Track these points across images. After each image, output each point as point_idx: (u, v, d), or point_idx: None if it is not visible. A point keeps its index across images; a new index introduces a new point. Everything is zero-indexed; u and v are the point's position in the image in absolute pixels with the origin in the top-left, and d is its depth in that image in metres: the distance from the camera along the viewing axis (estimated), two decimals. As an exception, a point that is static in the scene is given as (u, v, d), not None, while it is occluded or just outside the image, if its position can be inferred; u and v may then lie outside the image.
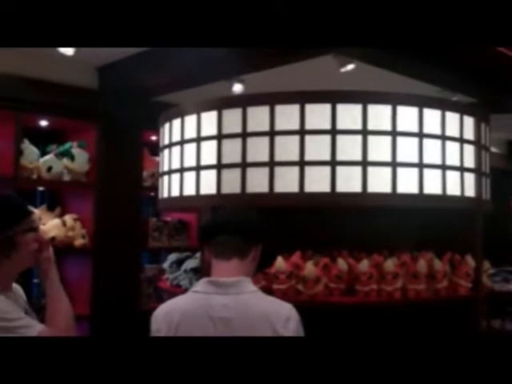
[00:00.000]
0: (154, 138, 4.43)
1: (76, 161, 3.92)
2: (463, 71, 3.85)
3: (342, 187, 2.20)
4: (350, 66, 3.43)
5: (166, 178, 2.63)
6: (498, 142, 6.71)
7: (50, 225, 3.89)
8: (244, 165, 2.26)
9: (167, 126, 2.63)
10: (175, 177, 2.54)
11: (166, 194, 2.63)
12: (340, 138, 2.20)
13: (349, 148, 2.19)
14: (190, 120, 2.42)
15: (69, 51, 3.44)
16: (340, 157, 2.19)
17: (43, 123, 3.99)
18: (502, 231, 8.18)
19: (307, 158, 2.20)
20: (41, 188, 4.19)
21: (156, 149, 4.67)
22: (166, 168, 2.63)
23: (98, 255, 3.99)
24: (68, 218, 3.95)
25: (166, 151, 2.63)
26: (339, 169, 2.20)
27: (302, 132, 2.20)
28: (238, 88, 3.96)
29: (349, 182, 2.19)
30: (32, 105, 3.66)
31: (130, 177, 4.14)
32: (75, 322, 1.85)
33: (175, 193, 2.53)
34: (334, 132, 2.19)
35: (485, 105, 4.24)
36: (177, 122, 2.54)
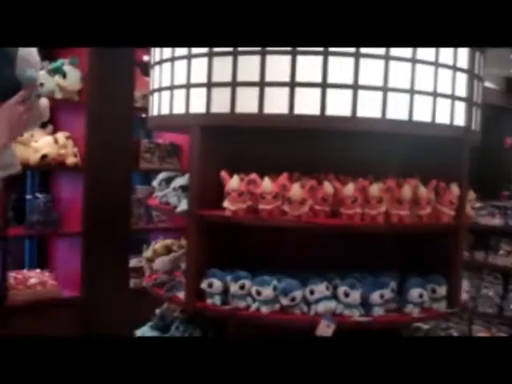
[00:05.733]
0: (146, 57, 4.36)
1: (68, 78, 3.88)
2: None
3: (331, 110, 2.19)
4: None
5: (156, 95, 2.61)
6: (495, 78, 6.65)
7: (42, 142, 3.89)
8: (234, 84, 2.24)
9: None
10: (165, 94, 2.52)
11: (155, 112, 2.62)
12: (332, 60, 2.17)
13: (339, 71, 2.17)
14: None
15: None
16: (331, 79, 2.18)
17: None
18: (495, 167, 8.25)
19: (298, 79, 2.18)
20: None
21: (148, 69, 4.63)
22: (156, 85, 2.61)
23: (90, 174, 4.01)
24: (60, 135, 3.95)
25: (157, 68, 2.60)
26: (329, 91, 2.19)
27: (294, 53, 2.17)
28: None
29: (338, 105, 2.19)
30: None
31: (122, 96, 4.11)
32: None
33: (165, 111, 2.52)
34: (325, 54, 2.16)
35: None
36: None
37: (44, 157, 3.84)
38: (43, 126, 4.00)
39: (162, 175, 2.74)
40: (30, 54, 1.66)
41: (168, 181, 2.66)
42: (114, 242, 4.18)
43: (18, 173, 1.79)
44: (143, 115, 4.51)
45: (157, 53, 2.61)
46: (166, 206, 2.61)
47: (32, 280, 3.98)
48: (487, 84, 2.71)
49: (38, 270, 4.16)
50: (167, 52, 2.49)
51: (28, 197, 4.14)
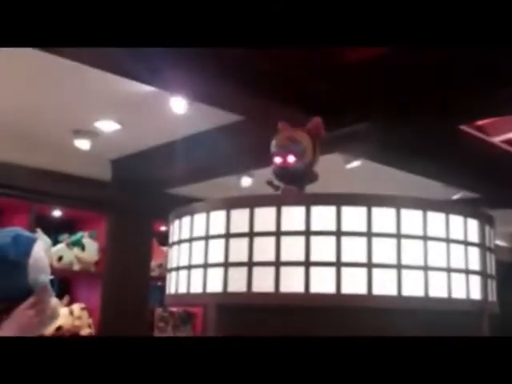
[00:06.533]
0: (163, 228, 4.51)
1: (86, 250, 3.99)
2: (466, 168, 3.95)
3: (346, 288, 2.22)
4: (356, 163, 3.54)
5: (173, 274, 2.66)
6: (504, 236, 6.74)
7: (57, 314, 3.90)
8: (250, 264, 2.30)
9: (177, 223, 2.69)
10: (183, 273, 2.57)
11: (173, 290, 2.65)
12: (345, 240, 2.24)
13: (354, 249, 2.23)
14: (200, 218, 2.49)
15: (85, 145, 3.60)
16: (345, 258, 2.23)
17: (56, 213, 4.09)
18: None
19: (312, 258, 2.24)
20: (50, 277, 4.23)
21: (165, 239, 4.76)
22: (174, 264, 2.67)
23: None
24: (76, 307, 3.97)
25: (175, 247, 2.68)
26: (344, 270, 2.23)
27: (308, 233, 2.24)
28: (246, 182, 4.07)
29: (354, 283, 2.22)
30: (45, 195, 3.77)
31: (139, 266, 4.18)
32: None
33: (182, 289, 2.55)
34: (339, 234, 2.23)
35: (489, 200, 4.31)
36: (186, 220, 2.60)
37: (59, 328, 3.83)
38: (60, 297, 4.03)
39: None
40: (41, 259, 1.73)
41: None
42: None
43: None
44: (159, 283, 4.57)
45: (175, 232, 2.71)
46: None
47: None
48: (497, 242, 2.79)
49: None
50: (185, 232, 2.58)
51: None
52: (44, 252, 1.72)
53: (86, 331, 3.94)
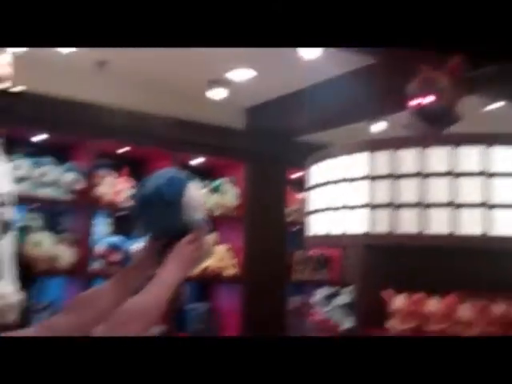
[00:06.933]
0: (297, 175, 4.58)
1: (226, 196, 4.16)
2: None
3: (496, 230, 2.15)
4: (495, 105, 3.37)
5: (313, 216, 2.73)
6: None
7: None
8: (394, 205, 2.29)
9: (315, 167, 2.74)
10: (322, 216, 2.62)
11: (313, 232, 2.72)
12: (494, 181, 2.16)
13: (505, 191, 2.14)
14: (341, 161, 2.51)
15: (220, 94, 3.71)
16: (494, 200, 2.15)
17: (196, 161, 4.28)
18: None
19: (459, 200, 2.18)
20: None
21: (299, 185, 4.84)
22: (313, 207, 2.73)
23: (247, 285, 4.17)
24: (221, 248, 4.17)
25: (314, 191, 2.73)
26: (491, 212, 2.16)
27: (453, 174, 2.19)
28: (377, 127, 4.00)
29: (506, 226, 2.14)
30: (187, 145, 3.96)
31: (275, 212, 4.31)
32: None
33: (322, 231, 2.61)
34: (486, 174, 2.15)
35: None
36: (325, 164, 2.63)
37: (206, 268, 4.06)
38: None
39: (324, 291, 2.79)
40: (195, 199, 1.79)
41: (329, 297, 2.70)
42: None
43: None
44: (294, 228, 4.68)
45: (313, 176, 2.75)
46: (328, 322, 2.64)
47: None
48: None
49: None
50: (324, 176, 2.62)
51: (188, 306, 4.37)
52: (198, 192, 1.76)
53: (230, 272, 4.16)
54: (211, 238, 1.88)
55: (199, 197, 1.77)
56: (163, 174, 1.78)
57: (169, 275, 1.61)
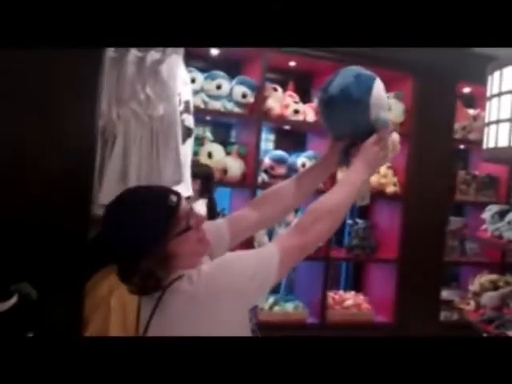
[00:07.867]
0: (468, 89, 4.35)
1: (392, 111, 4.08)
2: None
3: None
4: None
5: (493, 127, 2.60)
6: None
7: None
8: None
9: (497, 74, 2.59)
10: (504, 126, 2.50)
11: (492, 145, 2.61)
12: None
13: None
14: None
15: None
16: None
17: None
18: None
19: None
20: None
21: (469, 101, 4.60)
22: (494, 117, 2.60)
23: (408, 204, 4.14)
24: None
25: (495, 100, 2.60)
26: None
27: None
28: None
29: None
30: (355, 57, 3.88)
31: (443, 128, 4.16)
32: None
33: (503, 143, 2.49)
34: None
35: None
36: (508, 71, 2.48)
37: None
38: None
39: (495, 208, 2.70)
40: (381, 97, 1.74)
41: (501, 214, 2.61)
42: (426, 273, 4.21)
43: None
44: (461, 146, 4.50)
45: (495, 84, 2.61)
46: (499, 239, 2.57)
47: (348, 302, 4.22)
48: None
49: (353, 293, 4.41)
50: (507, 84, 2.47)
51: (349, 221, 4.45)
52: (384, 90, 1.75)
53: (391, 189, 4.15)
54: (395, 135, 1.82)
55: (385, 95, 1.75)
56: (349, 72, 1.76)
57: (357, 176, 1.66)
